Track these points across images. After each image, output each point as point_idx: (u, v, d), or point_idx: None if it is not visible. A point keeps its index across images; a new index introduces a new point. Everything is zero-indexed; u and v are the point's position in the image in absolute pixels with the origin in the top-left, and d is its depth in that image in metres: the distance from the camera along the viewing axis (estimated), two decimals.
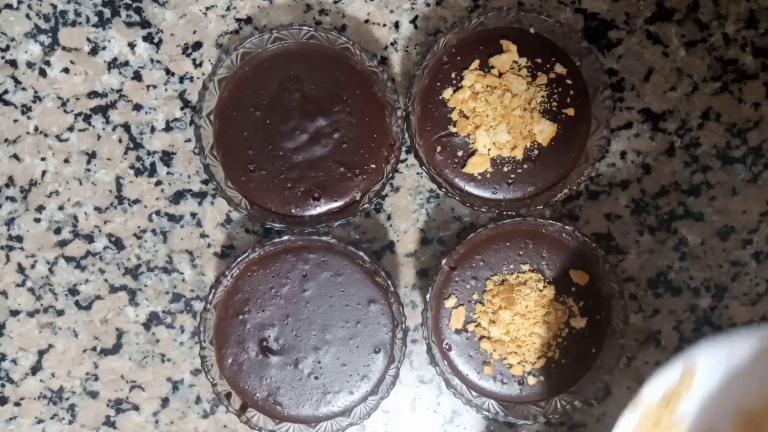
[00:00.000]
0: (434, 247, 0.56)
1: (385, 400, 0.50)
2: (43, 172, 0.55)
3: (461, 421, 0.56)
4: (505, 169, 0.51)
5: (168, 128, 0.55)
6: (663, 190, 0.55)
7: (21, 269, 0.55)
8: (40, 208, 0.55)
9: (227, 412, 0.50)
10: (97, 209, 0.55)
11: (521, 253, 0.51)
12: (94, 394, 0.55)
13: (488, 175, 0.51)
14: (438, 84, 0.50)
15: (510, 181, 0.51)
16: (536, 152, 0.50)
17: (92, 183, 0.55)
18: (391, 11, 0.54)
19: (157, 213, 0.55)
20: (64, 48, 0.54)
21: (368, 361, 0.50)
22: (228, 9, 0.54)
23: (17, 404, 0.55)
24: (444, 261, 0.50)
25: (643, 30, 0.55)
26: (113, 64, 0.54)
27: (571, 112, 0.50)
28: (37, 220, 0.55)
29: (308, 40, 0.50)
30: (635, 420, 0.44)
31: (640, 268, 0.56)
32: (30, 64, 0.54)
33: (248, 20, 0.54)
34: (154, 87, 0.55)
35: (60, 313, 0.55)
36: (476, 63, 0.50)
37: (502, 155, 0.50)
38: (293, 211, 0.51)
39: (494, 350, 0.50)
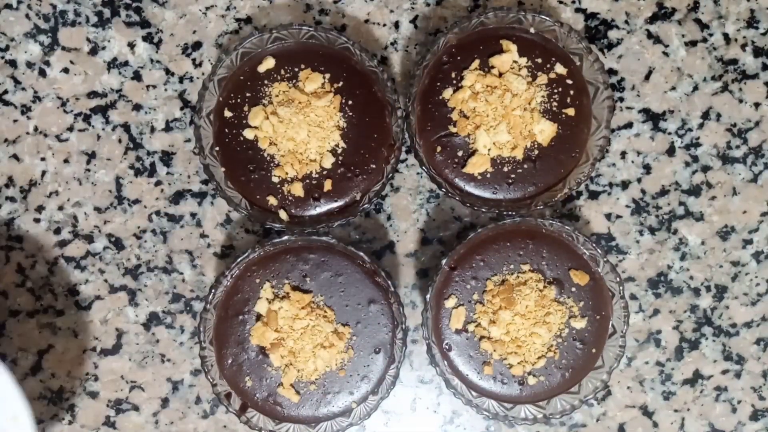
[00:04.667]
0: (434, 247, 0.56)
1: (385, 400, 0.50)
2: (43, 173, 0.55)
3: (461, 422, 0.56)
4: (506, 169, 0.51)
5: (168, 128, 0.55)
6: (663, 190, 0.55)
7: (21, 269, 0.55)
8: (40, 209, 0.55)
9: (227, 413, 0.50)
10: (97, 209, 0.55)
11: (521, 253, 0.51)
12: (94, 395, 0.55)
13: (488, 175, 0.51)
14: (438, 84, 0.50)
15: (510, 181, 0.51)
16: (536, 152, 0.50)
17: (92, 183, 0.55)
18: (391, 11, 0.54)
19: (157, 213, 0.55)
20: (63, 48, 0.54)
21: (368, 362, 0.50)
22: (228, 9, 0.54)
23: None
24: (444, 261, 0.50)
25: (644, 30, 0.55)
26: (113, 64, 0.54)
27: (571, 112, 0.50)
28: (37, 221, 0.55)
29: (308, 40, 0.50)
30: None
31: (641, 268, 0.56)
32: (30, 64, 0.54)
33: (248, 20, 0.54)
34: (154, 87, 0.54)
35: (60, 313, 0.55)
36: (476, 63, 0.50)
37: (502, 155, 0.50)
38: (293, 211, 0.51)
39: (494, 350, 0.50)
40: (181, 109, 0.55)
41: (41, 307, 0.55)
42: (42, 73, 0.54)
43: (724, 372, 0.56)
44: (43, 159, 0.55)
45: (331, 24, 0.54)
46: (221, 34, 0.54)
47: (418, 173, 0.55)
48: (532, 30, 0.50)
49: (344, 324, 0.50)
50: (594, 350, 0.50)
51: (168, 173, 0.55)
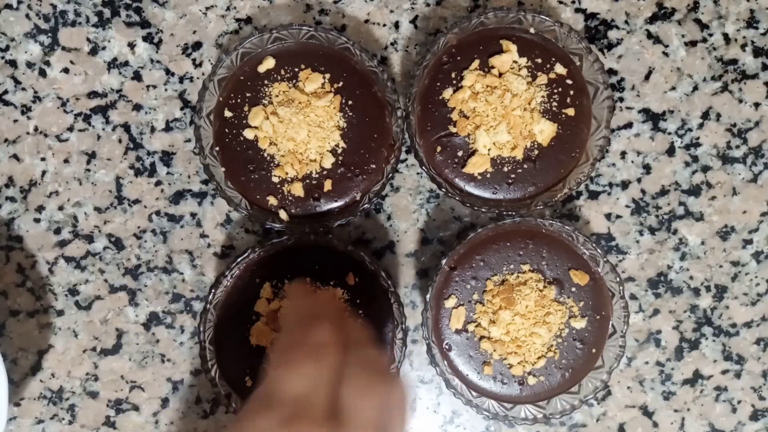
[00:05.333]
0: (434, 247, 0.56)
1: None
2: (43, 172, 0.55)
3: (461, 422, 0.56)
4: (505, 169, 0.51)
5: (168, 128, 0.55)
6: (663, 190, 0.55)
7: (21, 269, 0.55)
8: (40, 209, 0.55)
9: (227, 413, 0.50)
10: (97, 209, 0.55)
11: (521, 253, 0.51)
12: (94, 395, 0.55)
13: (488, 175, 0.51)
14: (438, 84, 0.50)
15: (510, 181, 0.51)
16: (536, 152, 0.50)
17: (92, 183, 0.55)
18: (391, 11, 0.54)
19: (157, 213, 0.55)
20: (63, 48, 0.54)
21: None
22: (228, 9, 0.54)
23: (17, 404, 0.55)
24: (444, 261, 0.50)
25: (644, 30, 0.55)
26: (113, 64, 0.54)
27: (571, 112, 0.50)
28: (37, 221, 0.55)
29: (308, 40, 0.50)
30: None
31: (641, 268, 0.56)
32: (30, 64, 0.54)
33: (248, 20, 0.54)
34: (154, 87, 0.54)
35: (60, 313, 0.55)
36: (476, 63, 0.50)
37: (502, 155, 0.50)
38: (293, 211, 0.51)
39: (494, 350, 0.50)
40: (181, 109, 0.55)
41: (41, 307, 0.55)
42: (42, 73, 0.54)
43: (724, 372, 0.56)
44: (43, 159, 0.55)
45: (331, 24, 0.54)
46: (221, 34, 0.54)
47: (418, 173, 0.55)
48: (532, 30, 0.50)
49: None
50: (594, 350, 0.50)
51: (168, 173, 0.55)
